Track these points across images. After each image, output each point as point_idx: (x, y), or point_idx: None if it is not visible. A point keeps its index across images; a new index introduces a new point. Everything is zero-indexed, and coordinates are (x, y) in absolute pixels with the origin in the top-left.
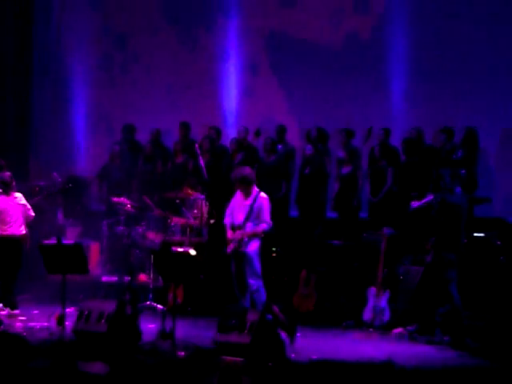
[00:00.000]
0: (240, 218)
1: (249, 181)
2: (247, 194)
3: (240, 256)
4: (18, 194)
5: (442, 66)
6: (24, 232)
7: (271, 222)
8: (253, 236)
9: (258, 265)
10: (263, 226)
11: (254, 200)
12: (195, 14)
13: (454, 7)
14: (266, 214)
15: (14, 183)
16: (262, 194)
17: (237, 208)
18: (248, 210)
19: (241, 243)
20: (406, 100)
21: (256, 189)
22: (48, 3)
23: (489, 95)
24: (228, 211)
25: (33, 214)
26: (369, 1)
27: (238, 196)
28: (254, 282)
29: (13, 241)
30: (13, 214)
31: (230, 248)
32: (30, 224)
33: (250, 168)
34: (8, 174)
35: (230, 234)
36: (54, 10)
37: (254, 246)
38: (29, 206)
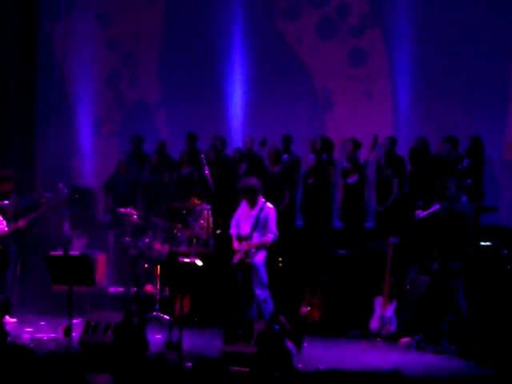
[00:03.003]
0: (246, 228)
1: (255, 191)
2: (253, 204)
3: (246, 266)
4: None
5: (447, 75)
6: None
7: (277, 233)
8: (259, 247)
9: (264, 275)
10: (270, 237)
11: (261, 210)
12: (199, 27)
13: (459, 16)
14: (273, 225)
15: None
16: (268, 204)
17: (243, 218)
18: (254, 221)
19: (247, 254)
20: (412, 109)
21: (262, 199)
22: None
23: (494, 104)
24: (234, 222)
25: (5, 228)
26: (373, 12)
27: (244, 206)
28: (261, 292)
29: None
30: None
31: (237, 258)
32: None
33: (256, 178)
34: None
35: (236, 244)
36: (60, 22)
37: (260, 257)
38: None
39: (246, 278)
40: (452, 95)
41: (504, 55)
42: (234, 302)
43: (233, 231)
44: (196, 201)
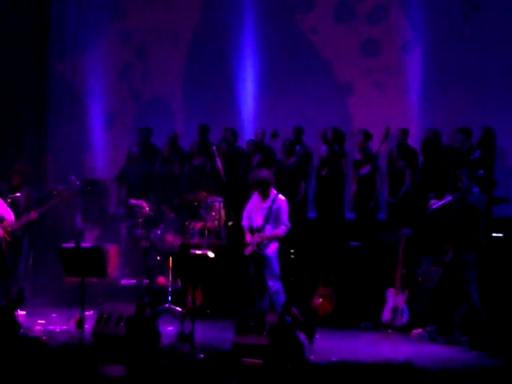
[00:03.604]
0: (258, 220)
1: (267, 183)
2: (265, 196)
3: (259, 258)
4: None
5: (459, 66)
6: None
7: (290, 224)
8: (272, 239)
9: (277, 267)
10: (282, 229)
11: (273, 202)
12: (211, 19)
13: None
14: (285, 216)
15: None
16: (280, 196)
17: (254, 210)
18: (266, 213)
19: (260, 246)
20: (424, 100)
21: (274, 191)
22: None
23: (506, 95)
24: (245, 214)
25: (12, 217)
26: (385, 7)
27: (256, 198)
28: (274, 284)
29: None
30: None
31: (249, 250)
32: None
33: (268, 170)
34: None
35: (248, 236)
36: (71, 12)
37: (272, 248)
38: (7, 209)
39: (258, 270)
40: (464, 86)
41: None
42: (246, 294)
43: (244, 223)
44: (204, 194)
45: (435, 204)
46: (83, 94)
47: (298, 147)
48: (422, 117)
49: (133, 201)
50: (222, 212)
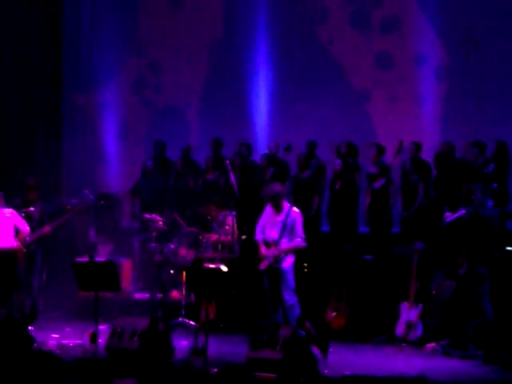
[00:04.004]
0: (273, 234)
1: (280, 197)
2: (279, 209)
3: (274, 272)
4: (7, 210)
5: (472, 79)
6: (11, 245)
7: (304, 236)
8: (290, 251)
9: (292, 280)
10: (297, 241)
11: (287, 215)
12: (223, 32)
13: (487, 21)
14: (299, 229)
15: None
16: (295, 209)
17: (268, 224)
18: (281, 226)
19: (276, 259)
20: (437, 114)
21: (287, 204)
22: (77, 21)
23: None
24: (258, 228)
25: (27, 228)
26: (398, 18)
27: (269, 212)
28: (289, 298)
29: (0, 254)
30: None
31: (265, 264)
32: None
33: (280, 184)
34: None
35: (264, 250)
36: (85, 25)
37: (289, 262)
38: (22, 221)
39: (274, 284)
40: (478, 99)
41: None
42: (259, 308)
43: (258, 237)
44: (215, 209)
45: (449, 217)
46: (96, 107)
47: (312, 161)
48: (436, 130)
49: (146, 215)
50: (235, 226)
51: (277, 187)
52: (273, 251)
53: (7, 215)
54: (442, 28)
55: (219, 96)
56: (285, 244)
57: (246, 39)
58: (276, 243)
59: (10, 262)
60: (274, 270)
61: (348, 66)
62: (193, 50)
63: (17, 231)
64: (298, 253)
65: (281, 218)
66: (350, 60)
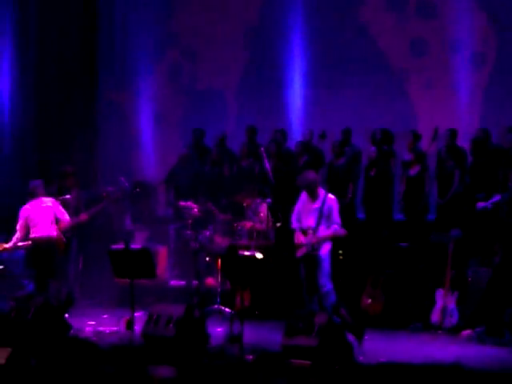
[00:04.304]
0: (310, 221)
1: (314, 184)
2: (314, 197)
3: (312, 259)
4: (47, 199)
5: (506, 65)
6: (51, 234)
7: (341, 222)
8: (327, 239)
9: (329, 267)
10: (335, 228)
11: (323, 202)
12: (258, 19)
13: None
14: (336, 215)
15: (41, 190)
16: (330, 196)
17: (304, 212)
18: (318, 213)
19: (314, 247)
20: (473, 101)
21: (323, 191)
22: (112, 10)
23: None
24: (294, 216)
25: (67, 217)
26: (433, 4)
27: (304, 199)
28: (326, 284)
29: (40, 243)
30: (34, 218)
31: (302, 252)
32: (70, 228)
33: (314, 171)
34: (35, 183)
35: (302, 238)
36: (118, 14)
37: (326, 249)
38: (61, 210)
39: (310, 271)
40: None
41: None
42: (294, 295)
43: (295, 225)
44: (249, 197)
45: (482, 204)
46: (132, 94)
47: (347, 148)
48: (472, 116)
49: (182, 202)
50: (270, 213)
51: (311, 175)
52: (311, 239)
53: (48, 204)
54: (478, 14)
55: (255, 83)
56: (322, 231)
57: (281, 26)
58: (314, 231)
59: (49, 250)
60: (311, 257)
61: (384, 53)
62: (228, 37)
63: (57, 220)
64: (334, 240)
65: (317, 205)
66: (385, 47)
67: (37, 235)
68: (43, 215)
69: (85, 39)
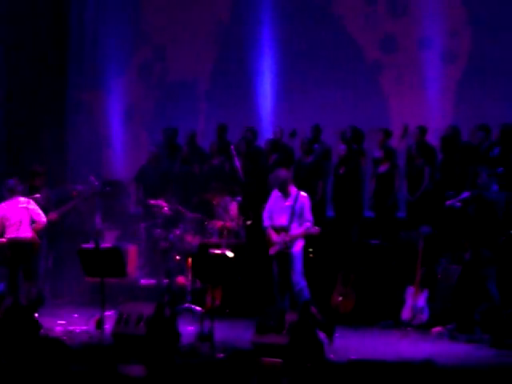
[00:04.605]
0: (282, 219)
1: (287, 182)
2: (286, 194)
3: (284, 257)
4: (23, 199)
5: (477, 62)
6: (27, 235)
7: (313, 220)
8: (299, 237)
9: (301, 264)
10: (307, 225)
11: (295, 200)
12: (230, 20)
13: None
14: (308, 213)
15: (18, 188)
16: (302, 193)
17: (276, 210)
18: (290, 212)
19: (287, 245)
20: (443, 98)
21: (295, 188)
22: (82, 10)
23: None
24: (266, 214)
25: (43, 219)
26: (403, 3)
27: (276, 197)
28: (298, 282)
29: (15, 244)
30: (10, 218)
31: (275, 250)
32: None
33: (286, 169)
34: (11, 182)
35: (274, 236)
36: (89, 13)
37: (298, 246)
38: (38, 211)
39: (283, 269)
40: (483, 83)
41: None
42: (265, 293)
43: (267, 223)
44: (218, 195)
45: (451, 201)
46: (101, 93)
47: (316, 145)
48: (441, 114)
49: (152, 201)
50: (240, 211)
51: (283, 172)
52: (283, 237)
53: (24, 205)
54: (447, 11)
55: (225, 82)
56: (295, 229)
57: (250, 23)
58: (286, 229)
59: (25, 251)
60: (284, 255)
61: (354, 50)
62: (198, 35)
63: (32, 221)
64: (306, 237)
65: (289, 203)
66: (355, 44)
67: (13, 236)
68: (19, 216)
69: (54, 38)
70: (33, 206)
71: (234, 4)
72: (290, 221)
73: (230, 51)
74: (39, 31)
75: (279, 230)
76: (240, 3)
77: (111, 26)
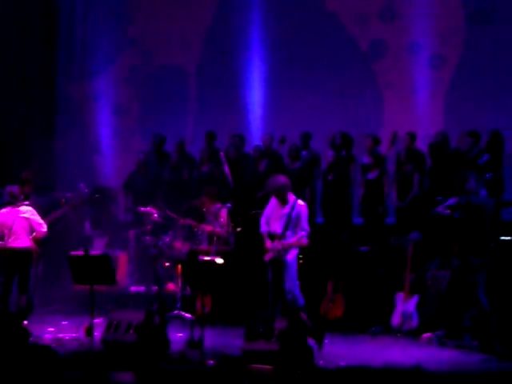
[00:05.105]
0: (278, 227)
1: (284, 189)
2: (284, 202)
3: (278, 264)
4: (24, 208)
5: (466, 69)
6: (26, 245)
7: (309, 229)
8: (292, 247)
9: (295, 271)
10: (301, 234)
11: (292, 208)
12: (217, 23)
13: (480, 10)
14: (305, 222)
15: (22, 197)
16: (300, 202)
17: (273, 217)
18: (286, 219)
19: (280, 252)
20: (432, 104)
21: (293, 196)
22: (72, 11)
23: None
24: (263, 220)
25: (43, 229)
26: (393, 8)
27: (273, 204)
28: (291, 289)
29: (14, 253)
30: (10, 226)
31: (269, 256)
32: (45, 237)
33: (285, 176)
34: (13, 189)
35: (268, 243)
36: (78, 15)
37: (292, 254)
38: (39, 221)
39: (277, 276)
40: (472, 89)
41: None
42: (256, 300)
43: (263, 229)
44: (208, 201)
45: (439, 207)
46: (90, 100)
47: (304, 152)
48: (430, 120)
49: (141, 208)
50: (230, 218)
51: (281, 179)
52: (276, 245)
53: (25, 215)
54: (436, 17)
55: (213, 88)
56: (289, 237)
57: (238, 29)
58: (280, 237)
59: (24, 261)
60: (278, 262)
61: (343, 56)
62: (185, 38)
63: (32, 230)
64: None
65: (286, 210)
66: (345, 50)
67: (14, 245)
68: (21, 225)
69: (43, 39)
70: (34, 215)
71: (220, 7)
72: (285, 229)
73: (218, 57)
74: (28, 32)
75: (274, 236)
76: (227, 6)
77: (100, 29)
